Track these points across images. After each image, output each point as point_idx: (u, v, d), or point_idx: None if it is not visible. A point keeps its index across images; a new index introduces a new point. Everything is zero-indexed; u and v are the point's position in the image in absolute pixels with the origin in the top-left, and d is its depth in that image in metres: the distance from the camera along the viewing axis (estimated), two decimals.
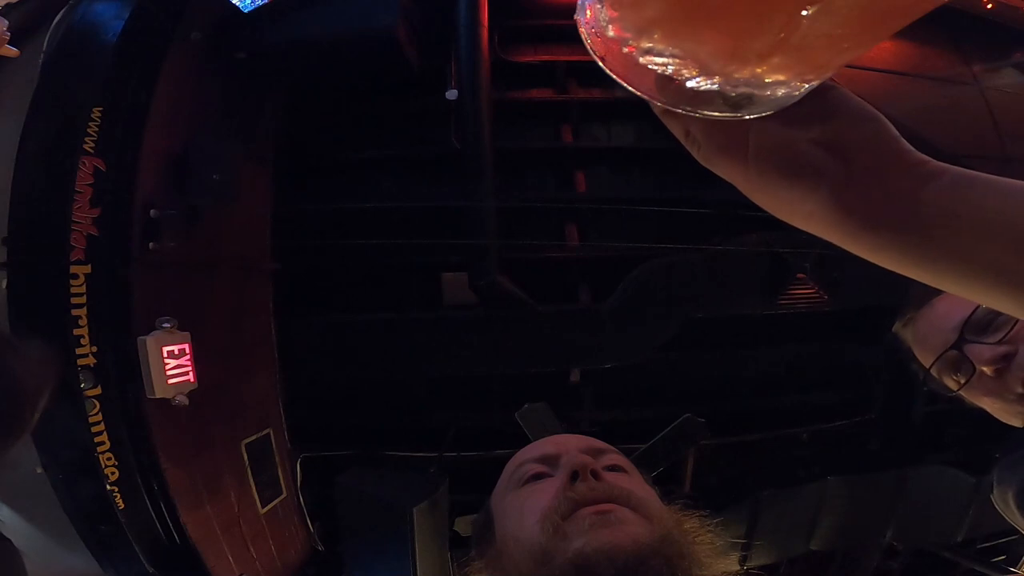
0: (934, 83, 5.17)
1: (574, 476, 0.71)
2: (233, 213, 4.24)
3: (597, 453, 0.77)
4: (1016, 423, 0.92)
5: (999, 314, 0.88)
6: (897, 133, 0.42)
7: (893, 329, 1.04)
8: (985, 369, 0.88)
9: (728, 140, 0.43)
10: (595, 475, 0.71)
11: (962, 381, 0.92)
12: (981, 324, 0.89)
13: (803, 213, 0.42)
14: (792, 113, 0.41)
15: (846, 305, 4.86)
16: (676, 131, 0.45)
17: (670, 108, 0.40)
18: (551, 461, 0.76)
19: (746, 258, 4.76)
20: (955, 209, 0.39)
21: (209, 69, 4.15)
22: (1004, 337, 0.87)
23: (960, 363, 0.91)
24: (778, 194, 0.43)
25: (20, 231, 3.27)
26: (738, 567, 0.69)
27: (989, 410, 0.93)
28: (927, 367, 0.96)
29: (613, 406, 4.94)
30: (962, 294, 0.42)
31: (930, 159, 0.41)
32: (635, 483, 0.74)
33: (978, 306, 0.89)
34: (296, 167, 4.93)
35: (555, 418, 3.91)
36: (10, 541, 0.87)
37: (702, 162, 0.45)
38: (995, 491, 1.13)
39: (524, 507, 0.72)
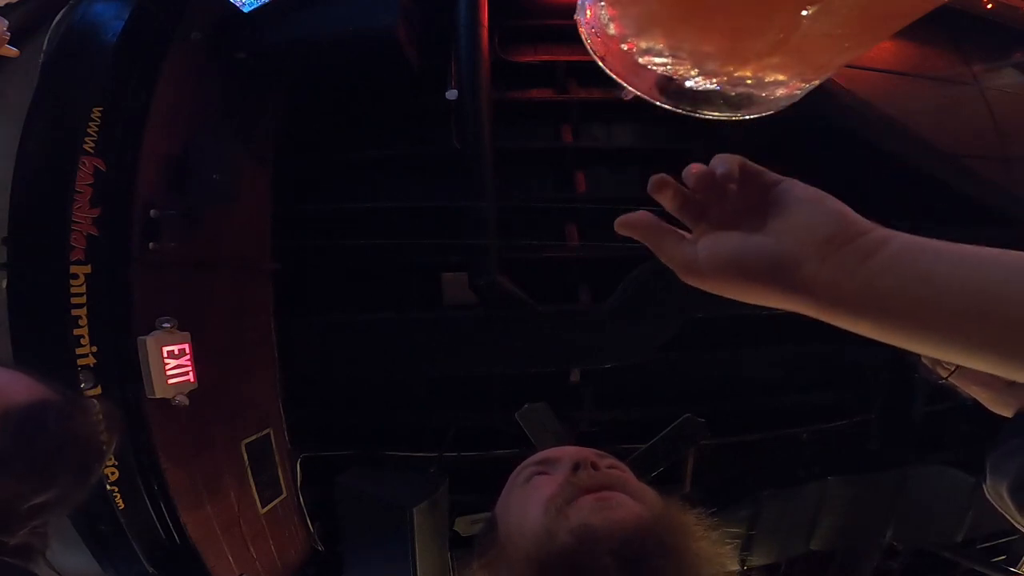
0: (934, 83, 5.16)
1: (576, 467, 0.74)
2: (233, 213, 4.24)
3: (596, 455, 0.80)
4: (1006, 413, 0.92)
5: None
6: (842, 206, 0.44)
7: None
8: None
9: (685, 260, 0.49)
10: (595, 467, 0.75)
11: (952, 368, 0.92)
12: None
13: (776, 301, 0.46)
14: (742, 215, 0.45)
15: None
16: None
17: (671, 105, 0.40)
18: (551, 463, 0.79)
19: None
20: (906, 277, 0.41)
21: (209, 69, 4.15)
22: None
23: None
24: (746, 294, 0.47)
25: (20, 231, 3.27)
26: (736, 562, 0.70)
27: (979, 399, 0.93)
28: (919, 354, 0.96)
29: (613, 406, 4.94)
30: (927, 353, 0.45)
31: (878, 227, 0.43)
32: (632, 477, 0.78)
33: None
34: (296, 167, 4.92)
35: (555, 418, 3.91)
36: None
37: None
38: (988, 483, 1.12)
39: (527, 499, 0.74)
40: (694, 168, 0.50)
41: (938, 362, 0.95)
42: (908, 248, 0.42)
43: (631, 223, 0.54)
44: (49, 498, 0.84)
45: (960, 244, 0.41)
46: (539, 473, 0.78)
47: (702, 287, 0.50)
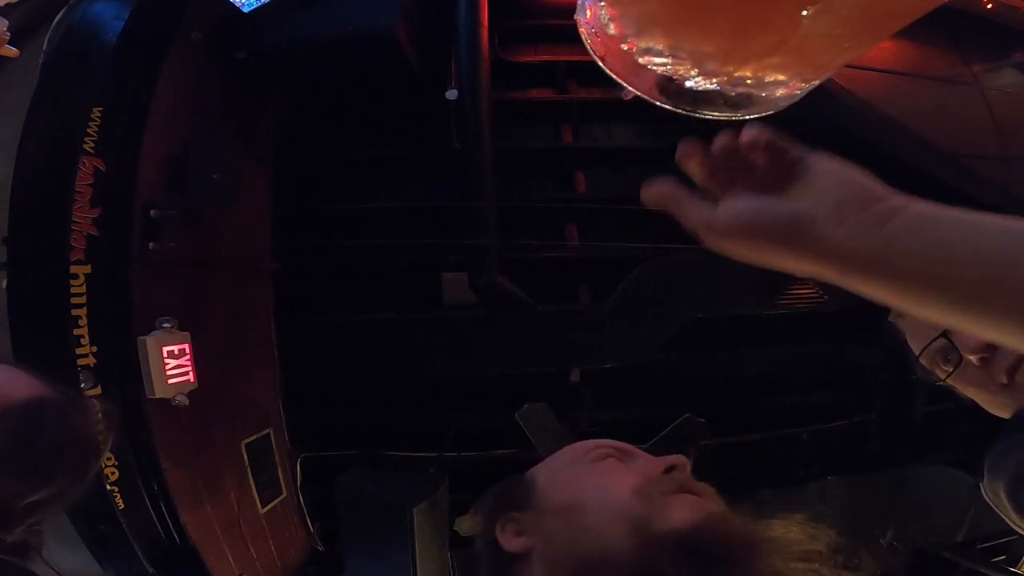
0: (934, 83, 5.16)
1: (671, 468, 0.73)
2: (233, 213, 4.24)
3: (687, 463, 0.80)
4: (1004, 414, 0.92)
5: None
6: (863, 175, 0.45)
7: (889, 318, 1.04)
8: (971, 357, 0.89)
9: (705, 220, 0.51)
10: (687, 474, 0.75)
11: (949, 369, 0.93)
12: None
13: (791, 265, 0.48)
14: (762, 183, 0.47)
15: (846, 305, 4.85)
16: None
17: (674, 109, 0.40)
18: (628, 455, 0.79)
19: None
20: (920, 244, 0.42)
21: (209, 69, 4.15)
22: None
23: (948, 351, 0.93)
24: (762, 255, 0.49)
25: (20, 231, 3.27)
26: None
27: (977, 400, 0.94)
28: (917, 355, 0.97)
29: (613, 406, 4.94)
30: (938, 321, 0.45)
31: (895, 194, 0.44)
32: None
33: None
34: (296, 167, 4.92)
35: (555, 418, 3.91)
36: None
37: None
38: (985, 483, 1.12)
39: (613, 476, 0.73)
40: (721, 138, 0.51)
41: (936, 363, 0.95)
42: (925, 214, 0.43)
43: (659, 193, 0.56)
44: (46, 496, 0.85)
45: (979, 212, 0.41)
46: (616, 457, 0.77)
47: (721, 249, 0.51)
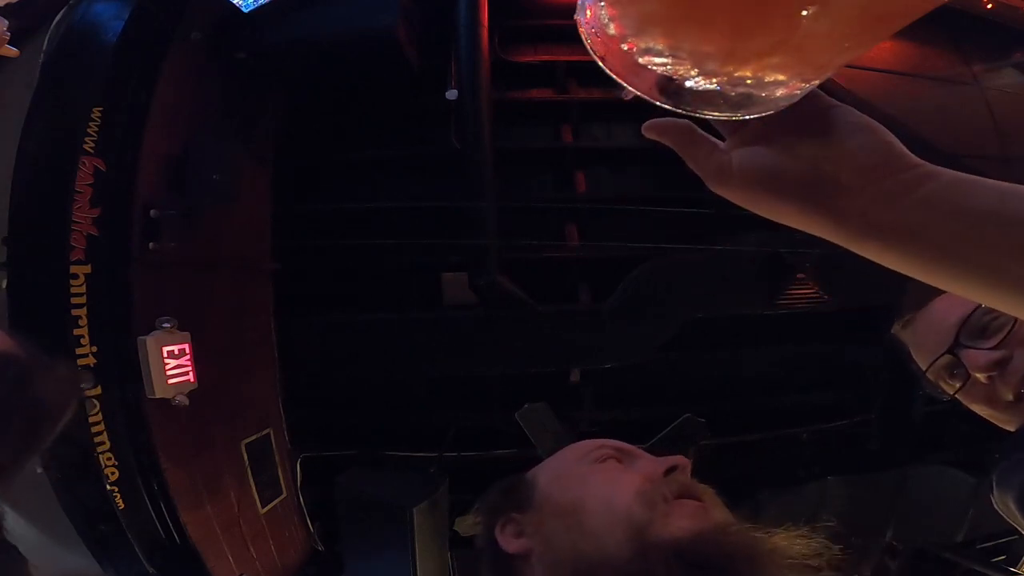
0: (934, 83, 5.16)
1: (671, 470, 0.72)
2: (233, 213, 4.24)
3: (687, 464, 0.78)
4: (1010, 427, 0.91)
5: (995, 318, 0.87)
6: (893, 139, 0.43)
7: (892, 330, 1.03)
8: (979, 376, 0.87)
9: (717, 167, 0.47)
10: (688, 476, 0.74)
11: (956, 386, 0.91)
12: (977, 328, 0.88)
13: (803, 222, 0.45)
14: (782, 133, 0.43)
15: (846, 305, 4.85)
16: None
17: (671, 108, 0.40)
18: (629, 455, 0.78)
19: (746, 258, 4.76)
20: (949, 211, 0.40)
21: (209, 69, 4.15)
22: (1000, 342, 0.86)
23: (955, 368, 0.91)
24: (773, 210, 0.46)
25: (20, 231, 3.27)
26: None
27: (983, 415, 0.93)
28: (923, 371, 0.95)
29: (613, 406, 4.94)
30: (959, 293, 0.43)
31: (925, 163, 0.42)
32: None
33: (975, 309, 0.88)
34: (296, 167, 4.92)
35: (555, 418, 3.91)
36: (16, 548, 0.88)
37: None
38: (995, 494, 1.12)
39: (615, 479, 0.72)
40: None
41: (943, 379, 0.94)
42: (954, 183, 0.41)
43: (662, 126, 0.50)
44: None
45: (1011, 184, 0.40)
46: (617, 458, 0.77)
47: (730, 198, 0.47)
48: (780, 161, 0.44)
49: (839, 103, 0.44)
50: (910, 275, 0.43)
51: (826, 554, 0.64)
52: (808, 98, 0.43)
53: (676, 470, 0.72)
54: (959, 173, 0.41)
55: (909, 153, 0.43)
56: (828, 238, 0.44)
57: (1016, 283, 0.39)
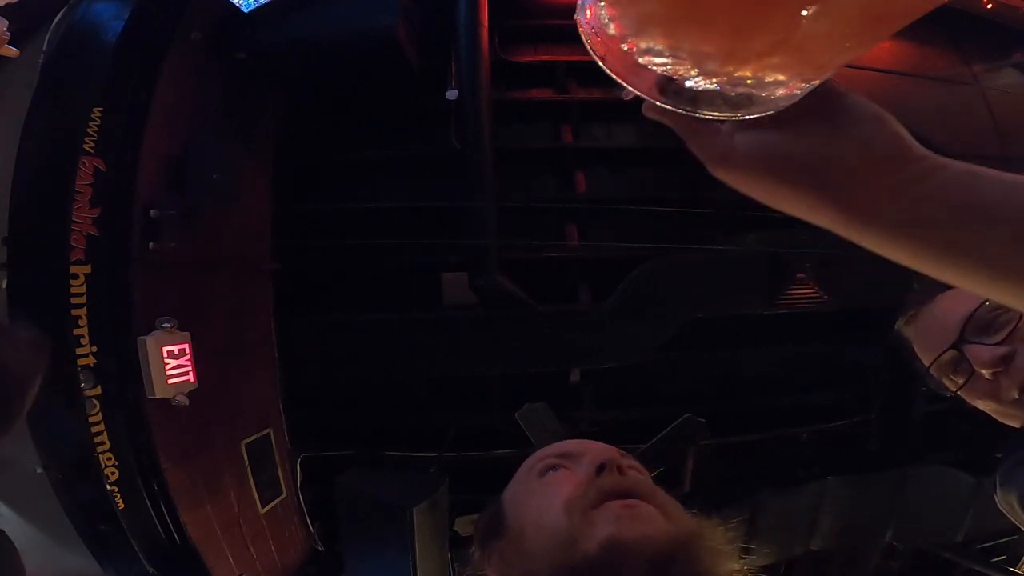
0: (934, 83, 5.16)
1: (600, 469, 0.70)
2: (233, 213, 4.24)
3: (620, 455, 0.77)
4: (1014, 424, 0.91)
5: (1000, 314, 0.87)
6: (902, 130, 0.43)
7: (895, 326, 1.03)
8: (983, 371, 0.87)
9: (720, 150, 0.45)
10: (620, 471, 0.71)
11: (960, 382, 0.91)
12: (982, 324, 0.88)
13: (805, 209, 0.44)
14: (790, 118, 0.42)
15: (846, 305, 4.85)
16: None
17: (669, 108, 0.40)
18: (572, 457, 0.76)
19: (746, 258, 4.76)
20: (957, 203, 0.40)
21: (209, 69, 4.15)
22: (1005, 338, 0.86)
23: (959, 364, 0.90)
24: (775, 196, 0.44)
25: (20, 231, 3.27)
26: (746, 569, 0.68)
27: (987, 411, 0.92)
28: (927, 366, 0.95)
29: (613, 406, 4.94)
30: (964, 286, 0.43)
31: (933, 154, 0.42)
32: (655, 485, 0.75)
33: (979, 306, 0.88)
34: (296, 167, 4.92)
35: (555, 418, 3.91)
36: (6, 535, 0.87)
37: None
38: (999, 493, 1.12)
39: (546, 494, 0.71)
40: None
41: (947, 375, 0.94)
42: (962, 176, 0.40)
43: (663, 107, 0.49)
44: None
45: (1018, 176, 0.40)
46: (557, 467, 0.75)
47: (731, 182, 0.46)
48: (786, 144, 0.43)
49: (850, 91, 0.44)
50: (914, 268, 0.42)
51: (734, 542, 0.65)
52: (820, 84, 0.42)
53: (604, 469, 0.70)
54: (967, 165, 0.41)
55: (917, 144, 0.42)
56: (831, 227, 0.43)
57: (1021, 278, 0.39)
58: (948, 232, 0.40)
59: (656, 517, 0.65)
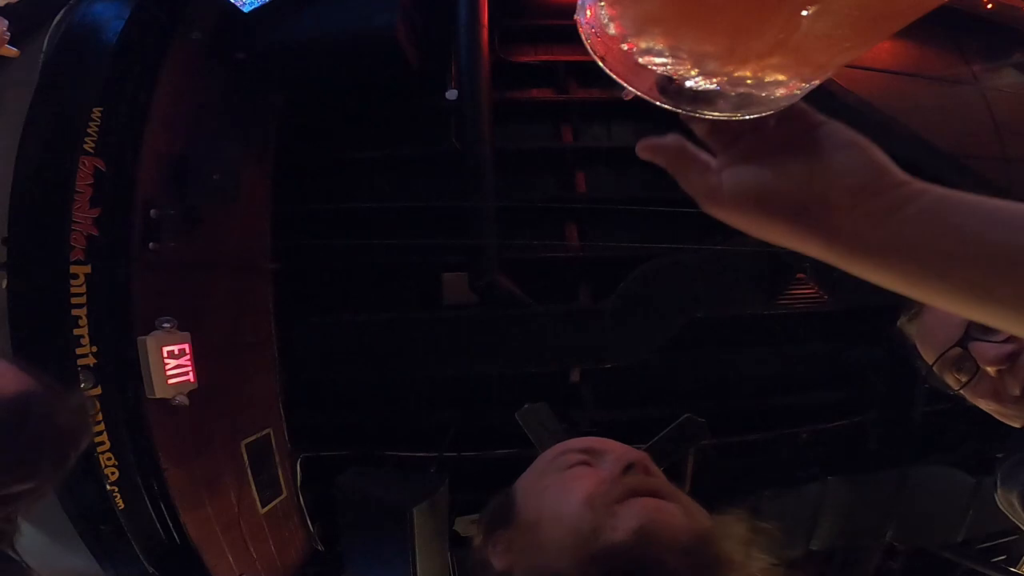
0: (934, 83, 5.16)
1: (628, 468, 0.71)
2: (233, 213, 4.24)
3: (648, 460, 0.77)
4: (1015, 423, 0.91)
5: None
6: (881, 156, 0.43)
7: (898, 324, 1.02)
8: (988, 368, 0.87)
9: (708, 188, 0.47)
10: (647, 472, 0.72)
11: (964, 380, 0.90)
12: None
13: (792, 241, 0.45)
14: (772, 152, 0.44)
15: (846, 305, 4.85)
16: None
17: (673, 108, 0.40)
18: (596, 455, 0.76)
19: (746, 258, 4.76)
20: (936, 231, 0.40)
21: (209, 69, 4.15)
22: (1009, 336, 0.85)
23: (963, 361, 0.90)
24: (764, 230, 0.46)
25: (20, 231, 3.27)
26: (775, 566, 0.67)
27: (988, 411, 0.92)
28: (930, 364, 0.95)
29: (613, 406, 4.94)
30: (949, 310, 0.44)
31: (913, 180, 0.43)
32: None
33: None
34: (296, 167, 4.92)
35: (555, 418, 3.91)
36: (21, 562, 0.90)
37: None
38: (999, 493, 1.12)
39: (568, 488, 0.71)
40: None
41: (950, 373, 0.93)
42: (941, 201, 0.41)
43: (657, 146, 0.50)
44: (27, 487, 0.87)
45: (998, 200, 0.40)
46: (581, 463, 0.75)
47: (722, 219, 0.48)
48: (769, 181, 0.44)
49: (828, 119, 0.45)
50: (900, 292, 0.43)
51: (760, 540, 0.64)
52: (798, 115, 0.44)
53: (633, 468, 0.71)
54: (946, 190, 0.42)
55: (898, 170, 0.43)
56: (819, 257, 0.44)
57: (1001, 302, 0.40)
58: (928, 259, 0.41)
59: (682, 515, 0.66)
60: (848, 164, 0.43)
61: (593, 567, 0.62)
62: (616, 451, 0.75)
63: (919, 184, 0.42)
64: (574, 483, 0.71)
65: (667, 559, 0.60)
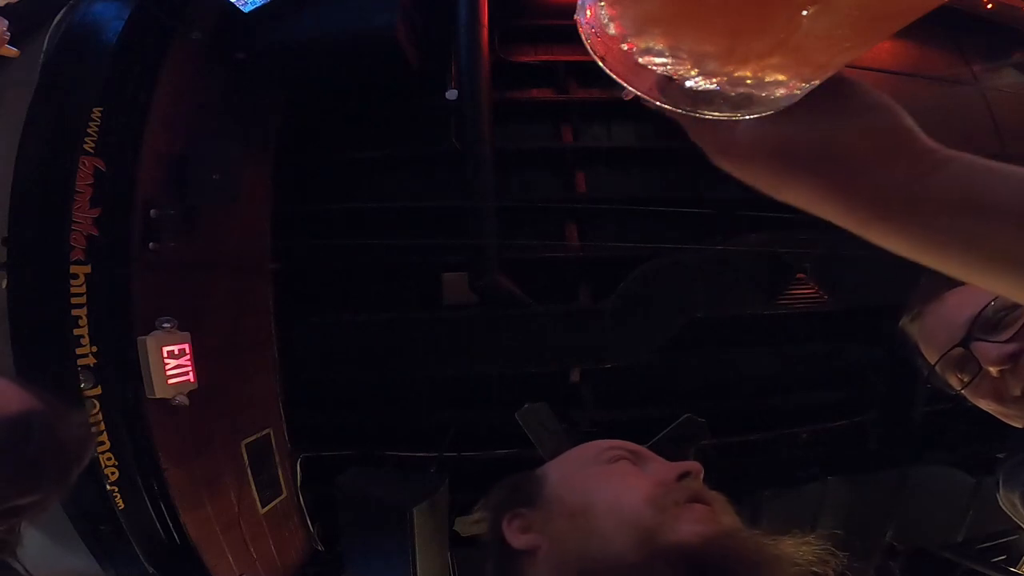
0: (934, 83, 5.16)
1: (685, 474, 0.71)
2: (233, 213, 4.24)
3: (701, 470, 0.78)
4: (1016, 424, 0.91)
5: (1009, 311, 0.86)
6: (911, 121, 0.42)
7: (900, 324, 1.02)
8: (991, 369, 0.87)
9: (720, 138, 0.44)
10: (702, 481, 0.73)
11: (966, 380, 0.90)
12: (990, 322, 0.87)
13: (808, 200, 0.42)
14: (797, 107, 0.40)
15: (846, 305, 4.86)
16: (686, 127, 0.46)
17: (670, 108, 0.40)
18: (643, 458, 0.77)
19: (746, 258, 4.76)
20: (963, 196, 0.39)
21: (209, 69, 4.15)
22: (1014, 335, 0.85)
23: (966, 361, 0.89)
24: (780, 185, 0.43)
25: (20, 231, 3.27)
26: None
27: (990, 411, 0.92)
28: (932, 364, 0.94)
29: (613, 406, 4.94)
30: (970, 280, 0.42)
31: (941, 147, 0.41)
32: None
33: (988, 303, 0.87)
34: (296, 167, 4.93)
35: (555, 418, 3.91)
36: (20, 572, 0.93)
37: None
38: (1001, 493, 1.12)
39: (627, 482, 0.72)
40: None
41: (952, 373, 0.93)
42: (970, 168, 0.39)
43: None
44: (31, 500, 0.89)
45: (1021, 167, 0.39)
46: (627, 460, 0.76)
47: (733, 171, 0.44)
48: (791, 132, 0.41)
49: (857, 79, 0.43)
50: (919, 261, 0.42)
51: (832, 561, 0.64)
52: None
53: (689, 476, 0.72)
54: (975, 157, 0.40)
55: (926, 136, 0.41)
56: (833, 218, 0.42)
57: (1017, 271, 0.38)
58: (954, 224, 0.39)
59: (741, 529, 0.67)
60: (877, 124, 0.41)
61: (658, 561, 0.63)
62: (659, 459, 0.76)
63: (947, 152, 0.41)
64: (630, 478, 0.72)
65: (738, 566, 0.61)
